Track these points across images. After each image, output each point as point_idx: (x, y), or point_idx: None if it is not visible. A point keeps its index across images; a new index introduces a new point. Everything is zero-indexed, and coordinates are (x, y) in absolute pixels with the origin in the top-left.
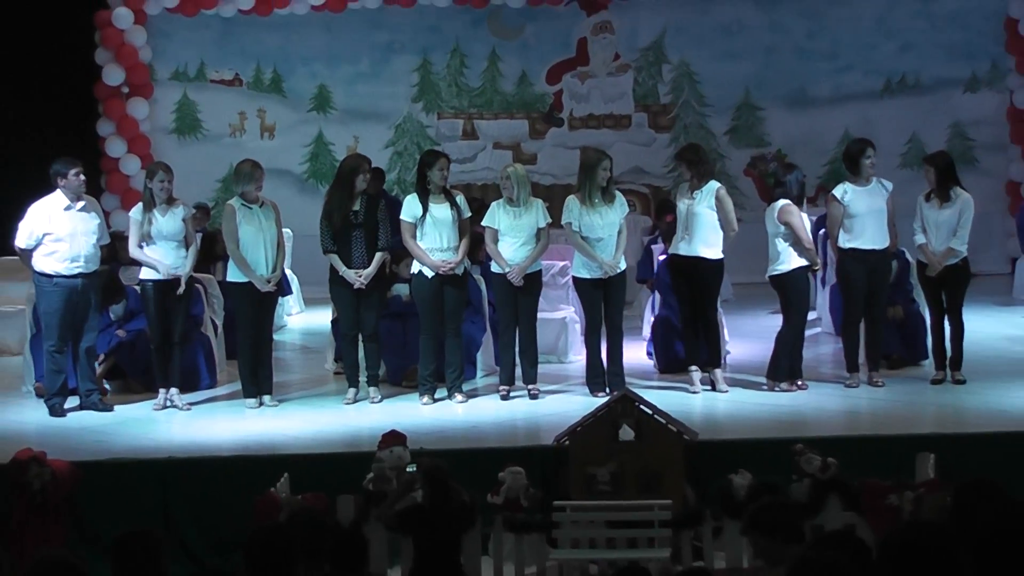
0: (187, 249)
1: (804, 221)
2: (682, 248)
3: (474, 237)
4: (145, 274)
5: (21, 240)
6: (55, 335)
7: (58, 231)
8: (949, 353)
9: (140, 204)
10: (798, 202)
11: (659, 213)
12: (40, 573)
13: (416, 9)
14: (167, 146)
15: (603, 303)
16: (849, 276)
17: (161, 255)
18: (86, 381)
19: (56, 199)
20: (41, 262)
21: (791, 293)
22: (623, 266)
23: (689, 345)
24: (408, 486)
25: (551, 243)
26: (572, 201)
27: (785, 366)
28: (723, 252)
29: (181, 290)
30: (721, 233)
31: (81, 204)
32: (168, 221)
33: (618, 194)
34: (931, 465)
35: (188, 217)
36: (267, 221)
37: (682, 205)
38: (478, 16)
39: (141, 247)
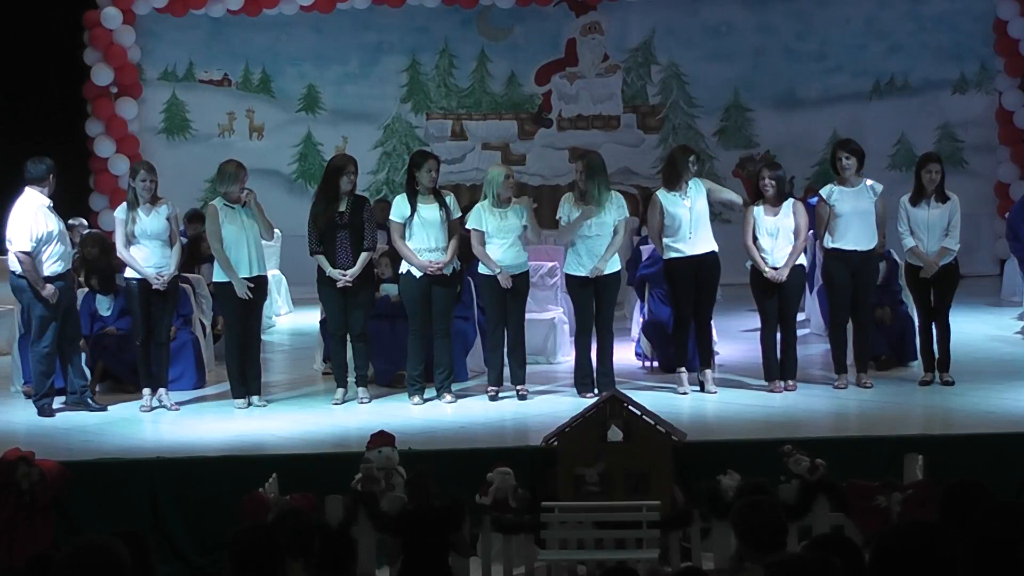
0: (172, 248)
1: (772, 222)
2: (690, 248)
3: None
4: (131, 272)
5: (26, 243)
6: (50, 337)
7: (53, 231)
8: (937, 355)
9: (124, 204)
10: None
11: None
12: (78, 559)
13: (405, 9)
14: (156, 146)
15: (594, 303)
16: (833, 277)
17: (146, 254)
18: (79, 378)
19: (39, 199)
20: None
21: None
22: (615, 267)
23: (679, 347)
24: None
25: (540, 244)
26: (567, 198)
27: (768, 366)
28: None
29: (162, 285)
30: None
31: (50, 203)
32: (152, 220)
33: (616, 196)
34: (919, 466)
35: (172, 216)
36: (249, 220)
37: (680, 207)
38: (467, 17)
39: (128, 248)
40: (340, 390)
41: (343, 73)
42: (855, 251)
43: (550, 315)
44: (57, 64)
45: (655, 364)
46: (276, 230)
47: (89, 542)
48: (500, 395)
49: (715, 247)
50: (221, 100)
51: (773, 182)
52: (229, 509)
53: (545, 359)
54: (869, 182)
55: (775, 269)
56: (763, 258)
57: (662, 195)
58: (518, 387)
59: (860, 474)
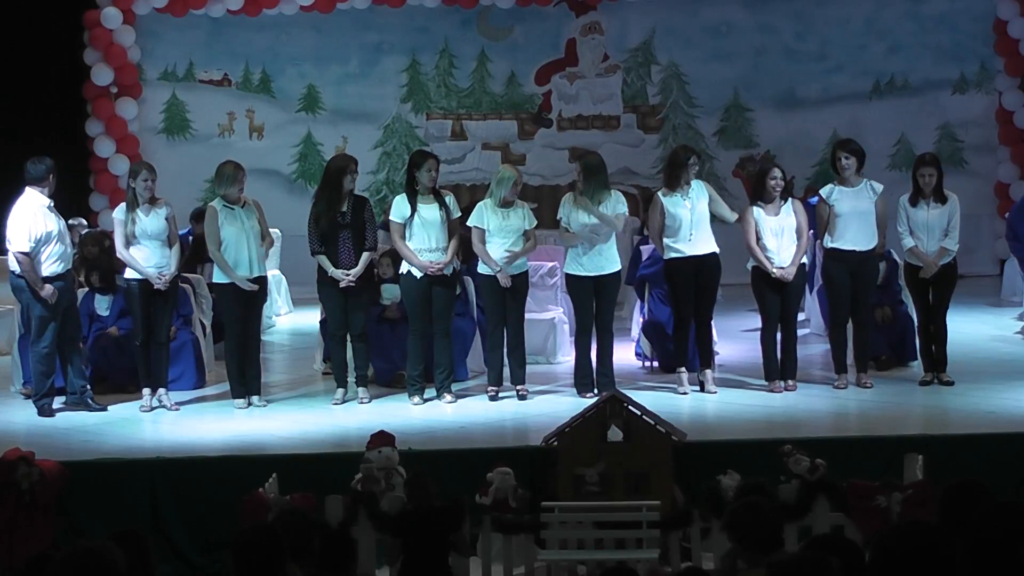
0: (171, 248)
1: (775, 221)
2: (691, 248)
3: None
4: (131, 273)
5: (25, 243)
6: (50, 337)
7: (52, 231)
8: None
9: (123, 204)
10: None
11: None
12: (71, 564)
13: (405, 9)
14: (156, 146)
15: (594, 303)
16: (832, 277)
17: (146, 255)
18: (79, 378)
19: (39, 199)
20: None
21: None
22: (615, 267)
23: (679, 347)
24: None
25: (540, 244)
26: (567, 199)
27: (768, 366)
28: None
29: (164, 285)
30: None
31: (51, 203)
32: (152, 221)
33: (616, 194)
34: (919, 466)
35: (171, 216)
36: (249, 221)
37: (681, 208)
38: (467, 17)
39: (128, 248)
40: (340, 390)
41: (343, 73)
42: (854, 251)
43: (550, 315)
44: (57, 64)
45: (655, 364)
46: (275, 230)
47: (83, 547)
48: (500, 395)
49: (716, 248)
50: (221, 100)
51: (783, 181)
52: (229, 509)
53: (545, 359)
54: (869, 182)
55: (782, 268)
56: (768, 258)
57: (663, 196)
58: (518, 387)
59: (860, 474)
